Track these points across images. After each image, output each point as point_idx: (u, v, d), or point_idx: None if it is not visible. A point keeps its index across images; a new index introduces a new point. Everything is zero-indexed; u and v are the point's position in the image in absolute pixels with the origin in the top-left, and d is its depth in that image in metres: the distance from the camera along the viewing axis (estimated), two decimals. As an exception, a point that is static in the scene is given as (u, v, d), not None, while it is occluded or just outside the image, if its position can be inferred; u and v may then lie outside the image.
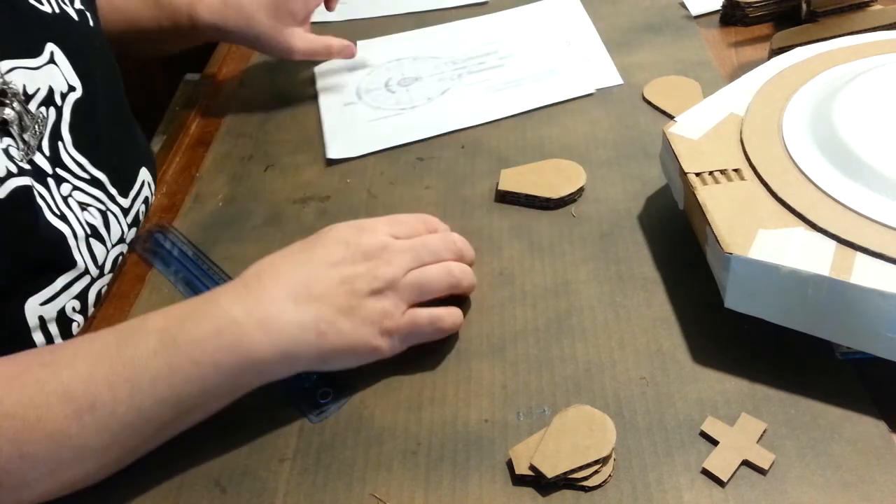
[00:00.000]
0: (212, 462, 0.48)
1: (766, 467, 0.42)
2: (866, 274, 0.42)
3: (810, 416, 0.45)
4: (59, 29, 0.59)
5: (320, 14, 1.00)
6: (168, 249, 0.65)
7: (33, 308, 0.52)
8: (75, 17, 0.62)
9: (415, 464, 0.46)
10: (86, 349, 0.44)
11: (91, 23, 0.64)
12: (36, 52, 0.57)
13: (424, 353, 0.52)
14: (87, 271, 0.57)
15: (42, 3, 0.59)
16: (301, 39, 0.76)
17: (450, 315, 0.51)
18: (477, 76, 0.81)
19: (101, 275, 0.59)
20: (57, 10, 0.60)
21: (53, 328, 0.54)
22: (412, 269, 0.50)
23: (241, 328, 0.45)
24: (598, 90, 0.76)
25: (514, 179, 0.65)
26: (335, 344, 0.47)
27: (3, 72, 0.53)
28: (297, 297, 0.47)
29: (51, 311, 0.54)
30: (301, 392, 0.50)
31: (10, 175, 0.50)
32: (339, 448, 0.47)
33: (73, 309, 0.56)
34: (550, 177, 0.64)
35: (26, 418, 0.41)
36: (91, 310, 0.58)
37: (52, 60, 0.58)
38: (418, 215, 0.55)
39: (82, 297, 0.57)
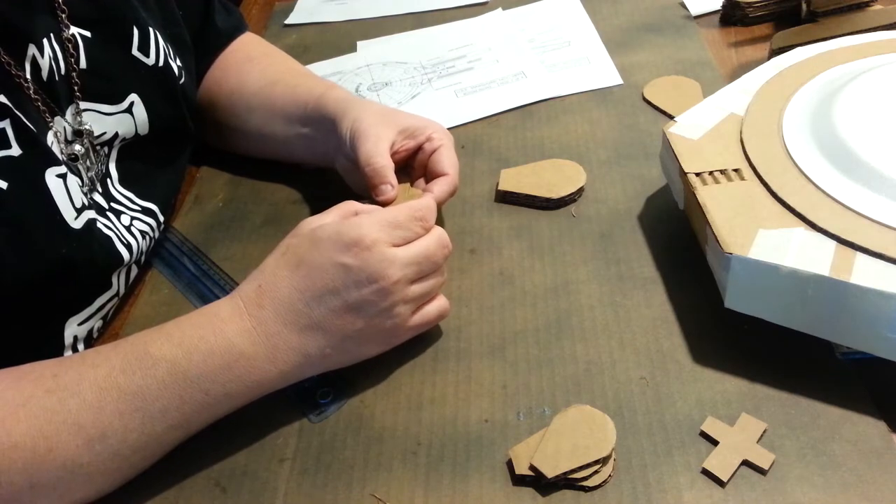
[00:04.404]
0: (212, 462, 0.48)
1: (766, 467, 0.42)
2: (866, 274, 0.42)
3: (810, 416, 0.45)
4: (150, 80, 0.60)
5: (320, 14, 1.00)
6: (168, 250, 0.65)
7: (72, 328, 0.53)
8: (176, 71, 0.63)
9: (415, 464, 0.46)
10: (90, 376, 0.44)
11: (183, 79, 0.65)
12: (117, 100, 0.58)
13: (424, 353, 0.52)
14: (117, 293, 0.58)
15: (148, 56, 0.60)
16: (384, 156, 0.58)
17: (445, 300, 0.52)
18: (445, 80, 0.82)
19: (125, 293, 0.60)
20: (160, 64, 0.61)
21: (81, 347, 0.54)
22: (415, 282, 0.49)
23: (250, 361, 0.45)
24: (597, 90, 0.76)
25: (514, 179, 0.65)
26: (342, 361, 0.49)
27: (80, 110, 0.55)
28: (300, 326, 0.46)
29: (83, 332, 0.54)
30: (301, 392, 0.50)
31: (84, 207, 0.52)
32: (339, 448, 0.47)
33: (97, 328, 0.57)
34: (550, 177, 0.64)
35: (36, 450, 0.41)
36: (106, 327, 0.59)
37: (128, 110, 0.59)
38: (411, 211, 0.49)
39: (106, 315, 0.58)
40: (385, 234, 0.47)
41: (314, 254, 0.47)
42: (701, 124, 0.56)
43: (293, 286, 0.47)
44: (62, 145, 0.53)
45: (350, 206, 0.52)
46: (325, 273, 0.46)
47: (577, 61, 0.81)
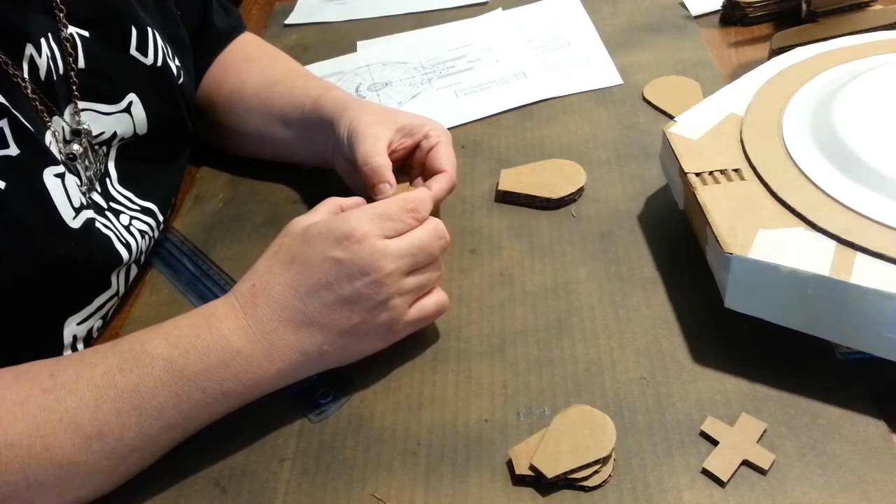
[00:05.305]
0: (212, 462, 0.48)
1: (766, 467, 0.42)
2: (866, 274, 0.42)
3: (810, 416, 0.45)
4: (149, 80, 0.60)
5: (320, 14, 1.00)
6: (168, 250, 0.65)
7: (71, 327, 0.53)
8: (174, 71, 0.63)
9: (415, 464, 0.46)
10: (88, 374, 0.44)
11: (181, 79, 0.65)
12: (115, 100, 0.58)
13: (424, 353, 0.52)
14: (117, 292, 0.58)
15: (146, 56, 0.60)
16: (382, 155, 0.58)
17: (443, 293, 0.51)
18: (445, 80, 0.82)
19: (124, 293, 0.60)
20: (159, 64, 0.61)
21: (80, 346, 0.54)
22: (411, 274, 0.49)
23: (247, 360, 0.45)
24: (597, 90, 0.76)
25: (514, 179, 0.65)
26: (340, 358, 0.49)
27: (78, 109, 0.55)
28: (296, 323, 0.46)
29: (82, 331, 0.54)
30: (301, 392, 0.50)
31: (83, 207, 0.52)
32: (339, 448, 0.47)
33: (97, 328, 0.56)
34: (550, 177, 0.64)
35: (33, 448, 0.41)
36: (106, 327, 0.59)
37: (127, 109, 0.59)
38: (402, 203, 0.49)
39: (106, 315, 0.58)
40: (376, 227, 0.47)
41: (306, 250, 0.47)
42: (701, 124, 0.56)
43: (286, 283, 0.47)
44: (60, 145, 0.53)
45: (335, 202, 0.52)
46: (318, 268, 0.46)
47: (577, 61, 0.81)
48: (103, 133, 0.57)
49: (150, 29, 0.60)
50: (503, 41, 0.87)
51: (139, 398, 0.43)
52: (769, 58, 0.71)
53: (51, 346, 0.52)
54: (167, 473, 0.47)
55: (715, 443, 0.44)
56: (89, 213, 0.52)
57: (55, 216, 0.49)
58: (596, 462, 0.43)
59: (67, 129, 0.54)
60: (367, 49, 0.90)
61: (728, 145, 0.54)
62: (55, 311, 0.52)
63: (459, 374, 0.51)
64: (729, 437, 0.44)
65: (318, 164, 0.68)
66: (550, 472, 0.43)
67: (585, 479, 0.43)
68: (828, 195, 0.47)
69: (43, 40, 0.52)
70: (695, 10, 0.86)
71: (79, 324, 0.53)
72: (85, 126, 0.55)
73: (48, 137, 0.51)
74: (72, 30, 0.54)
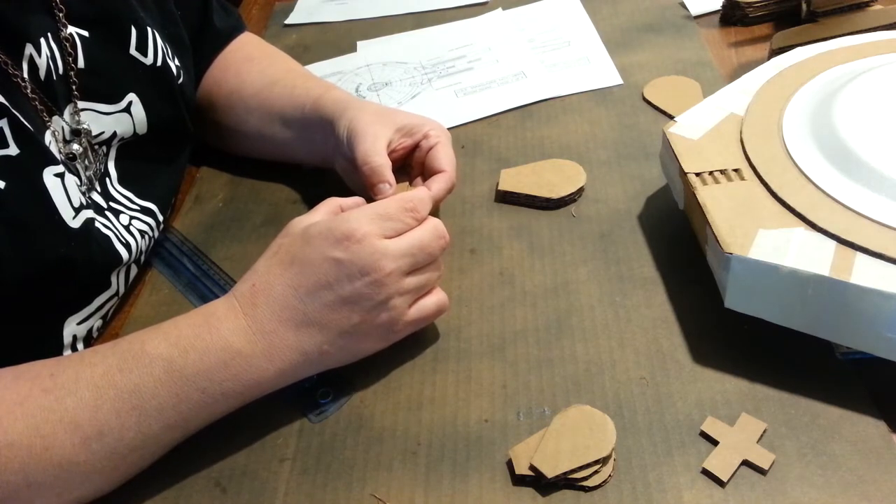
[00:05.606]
0: (212, 462, 0.48)
1: (766, 467, 0.42)
2: (866, 274, 0.42)
3: (810, 416, 0.45)
4: (148, 80, 0.60)
5: (320, 14, 1.00)
6: (168, 250, 0.65)
7: (71, 327, 0.53)
8: (174, 71, 0.63)
9: (415, 464, 0.46)
10: (87, 374, 0.44)
11: (181, 79, 0.65)
12: (115, 100, 0.58)
13: (424, 353, 0.52)
14: (117, 292, 0.58)
15: (146, 56, 0.60)
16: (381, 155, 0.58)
17: (443, 293, 0.51)
18: (445, 80, 0.82)
19: (124, 293, 0.60)
20: (158, 63, 0.61)
21: (80, 346, 0.54)
22: (411, 274, 0.49)
23: (247, 360, 0.45)
24: (597, 90, 0.76)
25: (514, 179, 0.65)
26: (340, 358, 0.49)
27: (77, 109, 0.55)
28: (296, 323, 0.46)
29: (82, 331, 0.54)
30: (301, 392, 0.50)
31: (82, 207, 0.52)
32: (339, 448, 0.47)
33: (97, 327, 0.56)
34: (550, 177, 0.64)
35: (32, 448, 0.41)
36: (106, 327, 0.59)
37: (126, 109, 0.59)
38: (402, 203, 0.49)
39: (106, 315, 0.58)
40: (376, 227, 0.47)
41: (306, 250, 0.47)
42: (701, 124, 0.56)
43: (286, 283, 0.47)
44: (60, 144, 0.53)
45: (335, 202, 0.52)
46: (318, 268, 0.46)
47: (577, 61, 0.81)
48: (103, 133, 0.57)
49: (149, 29, 0.60)
50: (503, 41, 0.87)
51: (139, 398, 0.43)
52: (769, 58, 0.71)
53: (51, 346, 0.52)
54: (167, 473, 0.47)
55: (715, 443, 0.44)
56: (89, 213, 0.52)
57: (55, 216, 0.49)
58: (596, 462, 0.43)
59: (67, 128, 0.54)
60: (367, 49, 0.90)
61: (728, 145, 0.54)
62: (55, 311, 0.52)
63: (459, 374, 0.51)
64: (729, 437, 0.44)
65: (318, 164, 0.68)
66: (550, 472, 0.43)
67: (585, 479, 0.43)
68: (828, 195, 0.47)
69: (42, 40, 0.52)
70: (695, 10, 0.86)
71: (79, 324, 0.53)
72: (85, 126, 0.55)
73: (48, 137, 0.51)
74: (71, 30, 0.54)
